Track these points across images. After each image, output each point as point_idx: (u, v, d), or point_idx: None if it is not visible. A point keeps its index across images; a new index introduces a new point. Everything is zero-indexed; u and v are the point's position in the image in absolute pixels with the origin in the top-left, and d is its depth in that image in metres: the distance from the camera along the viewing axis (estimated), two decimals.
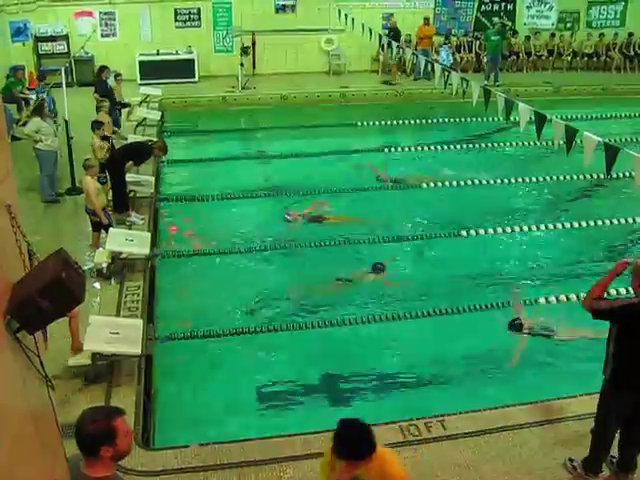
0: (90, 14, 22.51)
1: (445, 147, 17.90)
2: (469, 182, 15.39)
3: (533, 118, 11.60)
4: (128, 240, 11.17)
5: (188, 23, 23.41)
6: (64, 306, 3.44)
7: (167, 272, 11.77)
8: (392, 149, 17.79)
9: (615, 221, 13.65)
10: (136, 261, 11.28)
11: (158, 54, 22.51)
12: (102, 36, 22.71)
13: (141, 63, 22.37)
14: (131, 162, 12.93)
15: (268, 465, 7.06)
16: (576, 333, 9.83)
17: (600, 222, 13.57)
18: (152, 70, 22.27)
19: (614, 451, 6.88)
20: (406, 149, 17.83)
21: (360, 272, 11.77)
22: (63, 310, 3.47)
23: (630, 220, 13.81)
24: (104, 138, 13.76)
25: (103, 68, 17.47)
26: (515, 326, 9.94)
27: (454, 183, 15.34)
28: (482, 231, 13.14)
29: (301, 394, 8.92)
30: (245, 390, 8.99)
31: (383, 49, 23.60)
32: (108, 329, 8.55)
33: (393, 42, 19.53)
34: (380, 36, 20.20)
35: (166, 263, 11.94)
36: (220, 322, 10.26)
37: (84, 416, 4.02)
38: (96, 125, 13.75)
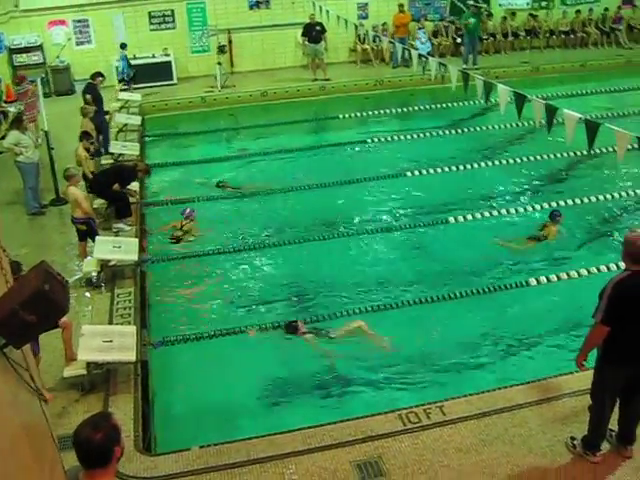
0: (63, 23, 22.35)
1: (427, 134, 17.89)
2: (453, 168, 15.43)
3: (513, 99, 11.61)
4: (115, 247, 11.11)
5: (163, 25, 23.28)
6: (49, 318, 3.42)
7: (157, 276, 11.75)
8: (374, 139, 17.79)
9: (601, 197, 13.71)
10: (125, 268, 11.23)
11: (135, 58, 22.37)
12: (77, 44, 22.57)
13: (118, 69, 22.17)
14: (117, 184, 12.87)
15: (271, 462, 7.05)
16: (347, 329, 9.89)
17: (586, 199, 13.64)
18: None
19: (613, 425, 6.91)
20: (389, 138, 17.84)
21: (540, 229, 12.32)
22: (48, 322, 3.45)
23: (616, 195, 13.89)
24: (89, 150, 13.74)
25: (99, 74, 17.40)
26: (290, 327, 9.85)
27: (438, 170, 15.37)
28: (470, 216, 13.18)
29: (299, 389, 8.92)
30: (243, 389, 8.98)
31: (360, 39, 23.66)
32: (101, 338, 8.52)
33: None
34: (356, 26, 20.17)
35: (156, 267, 11.91)
36: (213, 322, 10.27)
37: (83, 433, 3.98)
38: (84, 136, 13.69)
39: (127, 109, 19.54)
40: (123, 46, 21.41)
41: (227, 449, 7.28)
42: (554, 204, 13.43)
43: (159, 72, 22.47)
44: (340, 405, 8.52)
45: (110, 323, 9.78)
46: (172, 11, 23.15)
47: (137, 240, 11.85)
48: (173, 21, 23.26)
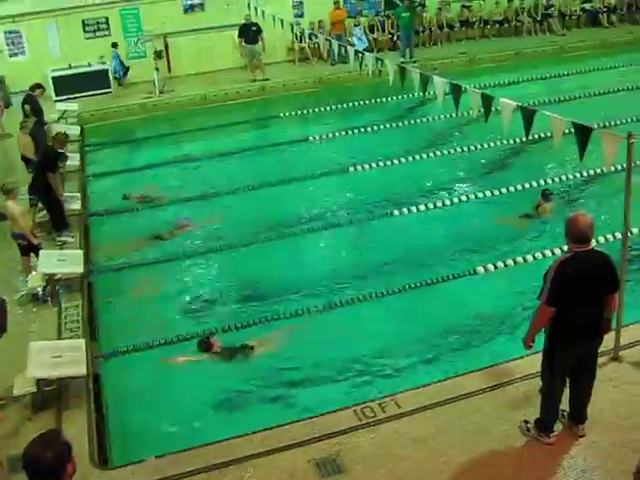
0: None
1: (368, 129, 18.03)
2: (395, 161, 15.57)
3: (450, 90, 11.71)
4: (60, 260, 10.94)
5: (98, 33, 22.96)
6: None
7: (105, 287, 11.60)
8: (316, 137, 17.84)
9: (541, 181, 13.97)
10: (72, 280, 11.05)
11: (70, 68, 22.04)
12: (10, 56, 22.17)
13: (54, 79, 21.82)
14: (50, 174, 12.55)
15: (229, 467, 7.02)
16: (270, 340, 9.90)
17: (527, 184, 13.89)
18: (66, 85, 21.74)
19: (565, 405, 7.04)
20: (331, 135, 17.89)
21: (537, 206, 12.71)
22: None
23: (556, 179, 14.15)
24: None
25: (38, 85, 17.10)
26: (202, 345, 9.64)
27: (380, 164, 15.51)
28: (414, 208, 13.30)
29: (253, 392, 8.88)
30: (197, 395, 8.91)
31: (297, 38, 23.66)
32: (50, 353, 8.38)
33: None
34: (292, 25, 20.17)
35: (103, 278, 11.77)
36: (164, 330, 10.16)
37: (32, 452, 3.94)
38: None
39: (65, 120, 19.25)
40: (114, 45, 21.84)
41: (184, 457, 7.23)
42: (496, 192, 13.67)
43: (96, 81, 22.11)
44: (295, 405, 8.52)
45: (59, 338, 9.62)
46: (106, 18, 22.87)
47: (82, 252, 11.67)
48: (108, 28, 22.96)
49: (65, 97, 21.29)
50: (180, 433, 8.21)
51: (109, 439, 8.16)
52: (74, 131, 18.23)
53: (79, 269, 10.97)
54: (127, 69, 22.38)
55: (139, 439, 8.29)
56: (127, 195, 15.05)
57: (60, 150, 13.45)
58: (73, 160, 15.87)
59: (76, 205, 13.69)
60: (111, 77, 22.44)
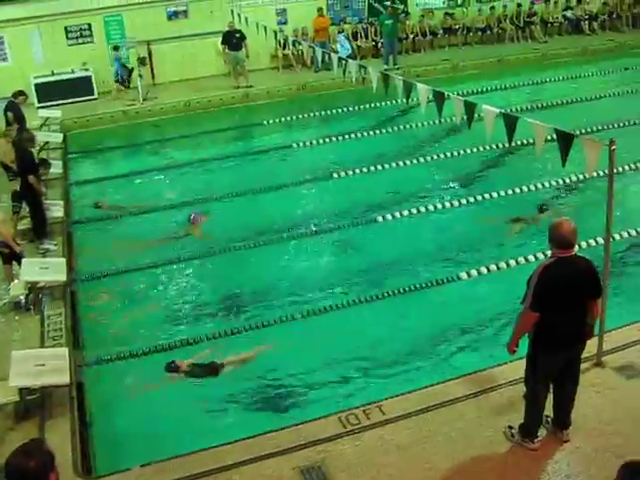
0: None
1: (351, 136, 18.06)
2: (379, 167, 15.62)
3: (433, 97, 11.76)
4: (43, 268, 10.87)
5: (80, 40, 22.84)
6: None
7: (89, 295, 11.54)
8: (299, 144, 17.84)
9: (525, 188, 14.07)
10: (55, 289, 10.99)
11: (53, 75, 21.95)
12: None
13: (37, 86, 21.69)
14: (32, 176, 12.43)
15: (214, 475, 6.99)
16: (239, 358, 9.70)
17: (510, 191, 13.98)
18: (49, 92, 21.61)
19: (549, 410, 7.06)
20: (314, 142, 17.90)
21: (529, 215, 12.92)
22: None
23: (539, 185, 14.23)
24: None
25: (21, 92, 17.00)
26: (170, 368, 9.44)
27: (364, 170, 15.55)
28: (398, 214, 13.33)
29: (238, 400, 8.87)
30: (181, 403, 8.88)
31: (280, 45, 23.67)
32: (33, 362, 8.32)
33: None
34: (275, 32, 20.18)
35: (86, 286, 11.71)
36: (148, 338, 10.13)
37: (15, 461, 3.91)
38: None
39: (48, 127, 19.14)
40: (116, 48, 21.89)
41: (169, 465, 7.19)
42: (479, 197, 13.77)
43: (79, 87, 22.02)
44: (279, 413, 8.52)
45: (42, 346, 9.55)
46: (89, 25, 22.75)
47: (65, 260, 11.61)
48: (91, 35, 22.86)
49: (48, 104, 21.13)
50: (164, 441, 8.17)
51: (93, 448, 8.11)
52: (57, 138, 18.13)
53: (62, 277, 10.90)
54: (131, 70, 22.27)
55: (123, 448, 8.25)
56: (98, 204, 14.99)
57: (31, 148, 13.30)
58: (56, 167, 15.77)
59: (58, 213, 13.61)
60: (95, 83, 22.36)
